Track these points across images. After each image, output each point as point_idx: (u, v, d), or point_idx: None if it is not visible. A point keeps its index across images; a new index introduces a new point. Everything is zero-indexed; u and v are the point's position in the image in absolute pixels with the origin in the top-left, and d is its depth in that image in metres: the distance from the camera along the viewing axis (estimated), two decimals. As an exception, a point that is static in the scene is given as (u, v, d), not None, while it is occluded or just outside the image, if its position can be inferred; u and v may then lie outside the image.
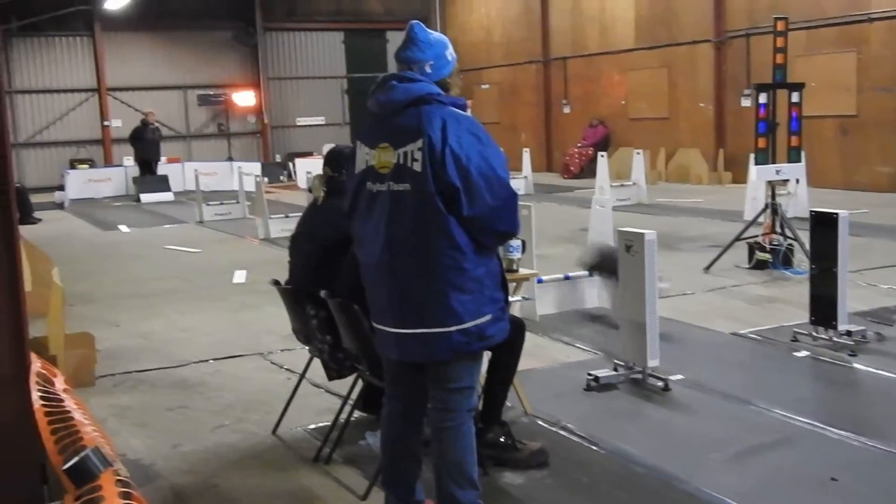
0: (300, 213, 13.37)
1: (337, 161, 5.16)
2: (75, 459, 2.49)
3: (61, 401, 3.30)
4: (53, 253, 12.25)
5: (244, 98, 29.77)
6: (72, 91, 27.97)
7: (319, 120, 30.76)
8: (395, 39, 29.55)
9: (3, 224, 3.60)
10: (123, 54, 28.21)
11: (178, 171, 25.17)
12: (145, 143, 23.64)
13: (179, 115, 29.28)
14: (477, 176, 3.67)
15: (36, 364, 3.64)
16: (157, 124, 24.33)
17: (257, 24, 29.61)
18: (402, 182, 3.70)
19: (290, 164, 26.71)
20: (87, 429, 2.95)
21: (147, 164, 23.92)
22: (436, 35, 4.08)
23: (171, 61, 28.81)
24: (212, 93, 29.22)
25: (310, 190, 5.41)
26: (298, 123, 30.73)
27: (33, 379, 3.41)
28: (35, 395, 3.21)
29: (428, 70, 3.82)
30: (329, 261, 4.99)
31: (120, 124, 27.89)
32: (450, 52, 4.05)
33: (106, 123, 28.30)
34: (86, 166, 26.54)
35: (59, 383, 3.58)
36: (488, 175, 3.70)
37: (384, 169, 3.75)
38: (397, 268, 3.78)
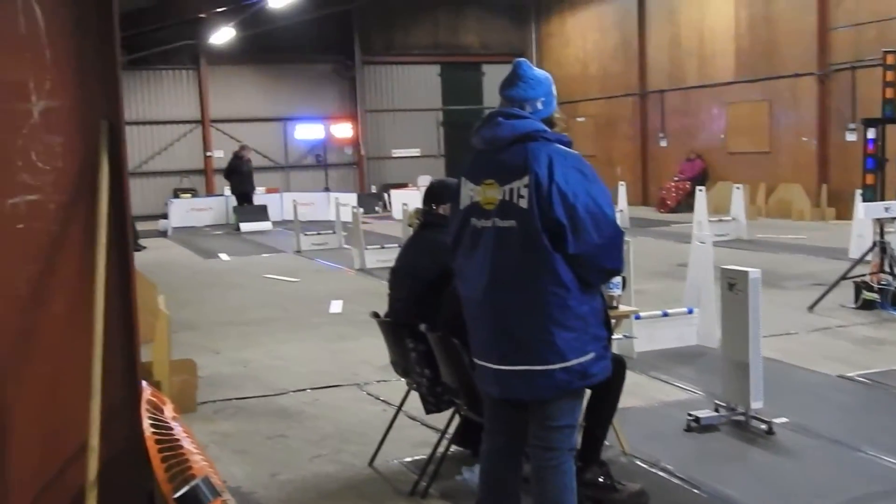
0: (396, 245, 13.69)
1: (436, 194, 5.13)
2: (186, 489, 2.52)
3: (171, 429, 3.36)
4: (157, 280, 12.56)
5: (341, 129, 30.13)
6: (176, 122, 28.76)
7: (415, 151, 31.00)
8: (490, 72, 30.62)
9: (119, 254, 3.71)
10: (226, 87, 28.90)
11: (277, 201, 25.24)
12: (241, 175, 23.88)
13: (278, 146, 29.76)
14: (583, 213, 3.64)
15: (146, 392, 3.72)
16: (249, 157, 24.41)
17: (356, 58, 30.07)
18: (507, 218, 3.68)
19: (386, 195, 26.91)
20: (196, 457, 2.99)
21: (244, 195, 24.18)
22: (542, 72, 4.08)
23: (271, 94, 29.35)
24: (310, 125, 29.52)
25: (410, 225, 5.39)
26: (394, 155, 30.96)
27: (144, 406, 3.48)
28: (146, 423, 3.27)
29: (539, 107, 3.84)
30: (429, 294, 4.98)
31: (221, 155, 28.39)
32: (554, 89, 4.06)
33: (208, 154, 29.07)
34: (188, 195, 26.98)
35: (168, 411, 3.65)
36: (595, 212, 3.68)
37: (489, 205, 3.73)
38: (501, 304, 3.75)
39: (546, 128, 3.80)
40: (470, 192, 3.82)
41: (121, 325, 3.65)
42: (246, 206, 24.04)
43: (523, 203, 3.63)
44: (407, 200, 18.41)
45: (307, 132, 29.85)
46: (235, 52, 27.62)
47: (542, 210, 3.61)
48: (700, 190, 14.76)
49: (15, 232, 3.58)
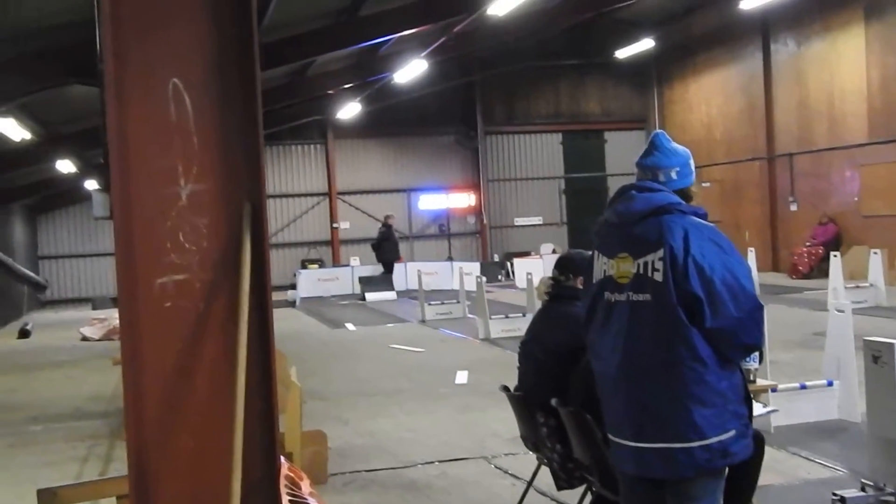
0: (520, 314, 14.04)
1: (570, 265, 5.09)
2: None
3: (309, 504, 3.36)
4: (286, 350, 12.76)
5: (464, 199, 30.51)
6: (305, 195, 29.57)
7: (537, 220, 30.91)
8: (613, 139, 30.65)
9: (260, 330, 3.80)
10: (352, 160, 29.67)
11: (401, 271, 25.38)
12: (391, 243, 24.44)
13: (402, 216, 29.85)
14: (721, 286, 3.56)
15: (284, 466, 3.74)
16: (382, 231, 24.90)
17: (478, 128, 30.28)
18: (642, 292, 3.64)
19: (509, 264, 26.69)
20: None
21: (390, 263, 24.49)
22: (681, 146, 4.05)
23: (395, 165, 29.95)
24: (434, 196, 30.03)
25: (540, 298, 5.35)
26: (516, 223, 30.90)
27: (283, 482, 3.50)
28: (285, 500, 3.28)
29: (673, 177, 3.81)
30: (560, 368, 4.92)
31: (347, 226, 29.39)
32: (692, 163, 4.02)
33: (335, 225, 29.57)
34: (315, 266, 27.38)
35: (306, 487, 3.67)
36: (732, 285, 3.59)
37: (623, 279, 3.70)
38: (636, 379, 3.68)
39: (680, 200, 3.76)
40: (603, 266, 3.80)
41: (261, 399, 3.71)
42: (372, 277, 24.62)
43: (658, 276, 3.59)
44: (531, 269, 18.52)
45: (430, 202, 30.26)
46: (361, 125, 28.15)
47: (678, 283, 3.55)
48: (834, 255, 14.22)
49: (163, 310, 3.70)
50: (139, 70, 3.62)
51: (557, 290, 4.96)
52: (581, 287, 4.21)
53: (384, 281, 24.21)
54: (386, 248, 24.29)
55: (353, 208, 29.58)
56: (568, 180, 31.16)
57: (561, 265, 5.06)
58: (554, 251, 25.28)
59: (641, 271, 3.63)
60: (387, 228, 24.37)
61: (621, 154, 29.51)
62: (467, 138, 30.21)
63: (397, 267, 25.28)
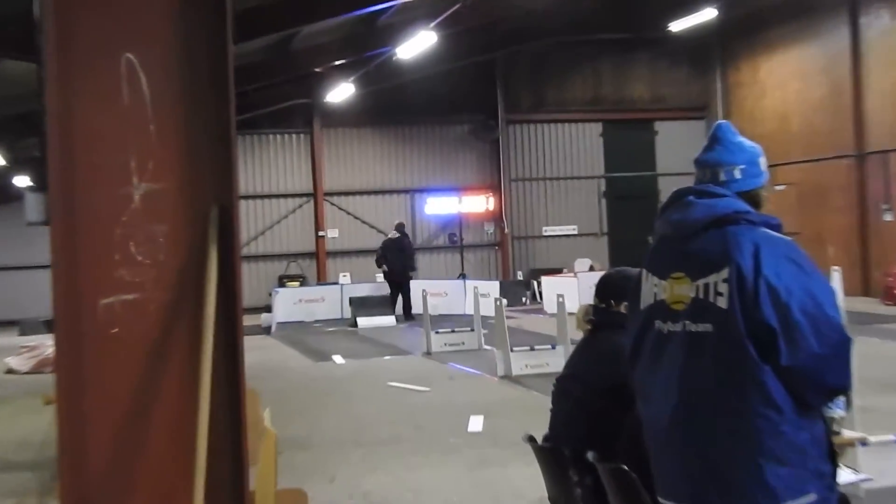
0: (548, 345, 13.98)
1: (614, 288, 5.01)
2: None
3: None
4: (260, 388, 12.38)
5: (481, 203, 30.16)
6: (284, 196, 29.16)
7: (570, 229, 30.82)
8: (665, 131, 30.65)
9: (228, 363, 3.79)
10: (343, 153, 29.39)
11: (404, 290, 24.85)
12: (406, 254, 24.36)
13: (407, 224, 28.60)
14: (799, 315, 3.49)
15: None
16: (391, 241, 24.89)
17: (499, 117, 30.09)
18: (701, 321, 3.58)
19: (535, 284, 26.59)
20: None
21: (398, 285, 24.29)
22: (749, 141, 4.00)
23: (396, 161, 29.84)
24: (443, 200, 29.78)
25: (579, 328, 5.32)
26: (545, 233, 30.77)
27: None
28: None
29: (737, 176, 3.78)
30: (600, 413, 4.84)
31: (336, 235, 29.07)
32: (764, 161, 3.97)
33: (321, 234, 29.17)
34: (296, 284, 27.22)
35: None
36: (814, 314, 3.52)
37: (678, 305, 3.65)
38: (695, 430, 3.62)
39: (749, 208, 3.70)
40: (654, 289, 3.75)
41: (228, 449, 3.69)
42: (366, 298, 24.40)
43: (722, 302, 3.53)
44: (562, 290, 18.13)
45: (439, 206, 30.02)
46: (355, 112, 27.96)
47: (747, 311, 3.49)
48: (940, 278, 13.95)
49: (109, 337, 3.66)
50: (86, 43, 3.58)
51: (601, 318, 4.96)
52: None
53: (380, 303, 24.09)
54: (403, 259, 24.34)
55: (344, 213, 29.40)
56: (609, 181, 30.97)
57: (600, 290, 5.05)
58: (591, 268, 25.42)
59: (701, 295, 3.58)
60: (401, 236, 24.52)
61: (675, 149, 29.23)
62: (485, 129, 30.06)
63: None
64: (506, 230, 30.28)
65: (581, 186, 31.03)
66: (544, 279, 25.76)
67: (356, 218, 29.05)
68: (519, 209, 30.77)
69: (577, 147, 31.06)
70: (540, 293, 25.65)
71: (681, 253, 3.70)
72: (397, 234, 24.12)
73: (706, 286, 3.55)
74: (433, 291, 21.97)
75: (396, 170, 29.86)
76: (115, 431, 3.54)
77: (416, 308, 21.90)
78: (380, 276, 25.21)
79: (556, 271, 27.05)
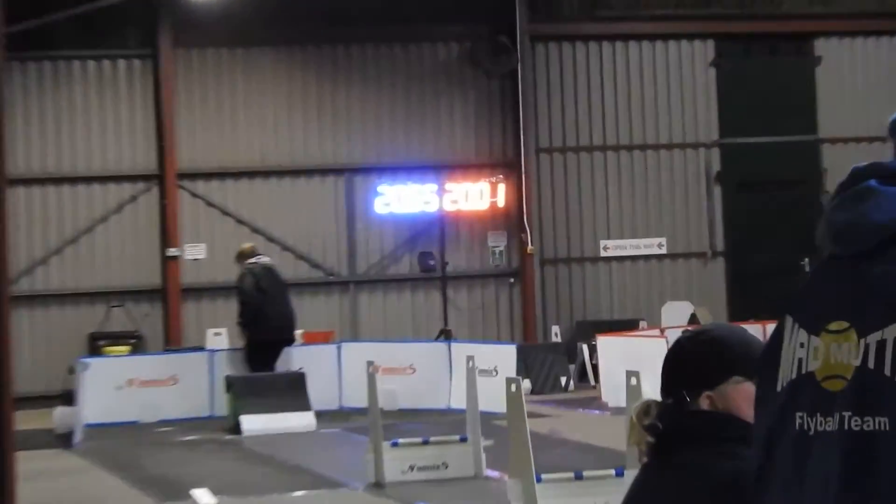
0: (609, 472, 13.36)
1: (698, 366, 3.20)
2: None
3: None
4: None
5: (480, 195, 23.74)
6: (101, 180, 22.97)
7: (651, 244, 24.39)
8: (831, 55, 25.43)
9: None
10: (216, 99, 23.32)
11: (330, 362, 20.76)
12: (266, 301, 20.02)
13: (332, 231, 23.50)
14: None
15: None
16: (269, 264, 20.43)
17: (517, 30, 23.50)
18: (871, 412, 2.38)
19: (584, 349, 22.05)
20: None
21: (265, 347, 20.20)
22: None
23: (320, 114, 23.55)
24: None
25: (636, 443, 3.35)
26: (604, 254, 24.29)
27: None
28: None
29: None
30: None
31: (202, 255, 23.25)
32: None
33: (170, 253, 22.94)
34: (124, 350, 22.53)
35: None
36: None
37: (835, 382, 2.42)
38: None
39: None
40: (798, 352, 2.52)
41: None
42: (258, 379, 20.02)
43: None
44: (638, 363, 12.67)
45: (401, 201, 23.77)
46: (239, 17, 22.43)
47: None
48: None
49: None
50: None
51: (682, 426, 3.25)
52: (739, 414, 3.03)
53: (289, 386, 19.73)
54: (285, 300, 20.30)
55: (216, 211, 22.65)
56: (729, 153, 24.32)
57: (678, 369, 3.26)
58: (693, 319, 21.19)
59: (871, 364, 2.34)
60: (267, 271, 20.08)
61: (855, 94, 24.59)
62: (492, 52, 23.49)
63: (314, 353, 21.19)
64: (529, 247, 23.54)
65: (673, 163, 24.27)
66: (603, 341, 20.87)
67: (240, 222, 22.09)
68: (553, 206, 24.18)
69: (667, 88, 24.39)
70: (594, 367, 21.17)
71: (849, 285, 2.51)
72: (265, 258, 20.52)
73: (881, 346, 2.35)
74: (389, 364, 19.25)
75: (320, 131, 23.22)
76: None
77: (353, 396, 19.43)
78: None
79: (624, 326, 22.45)
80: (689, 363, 3.21)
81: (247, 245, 20.07)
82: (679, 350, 3.28)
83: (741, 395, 2.97)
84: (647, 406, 3.23)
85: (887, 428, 2.38)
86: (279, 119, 23.20)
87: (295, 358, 20.11)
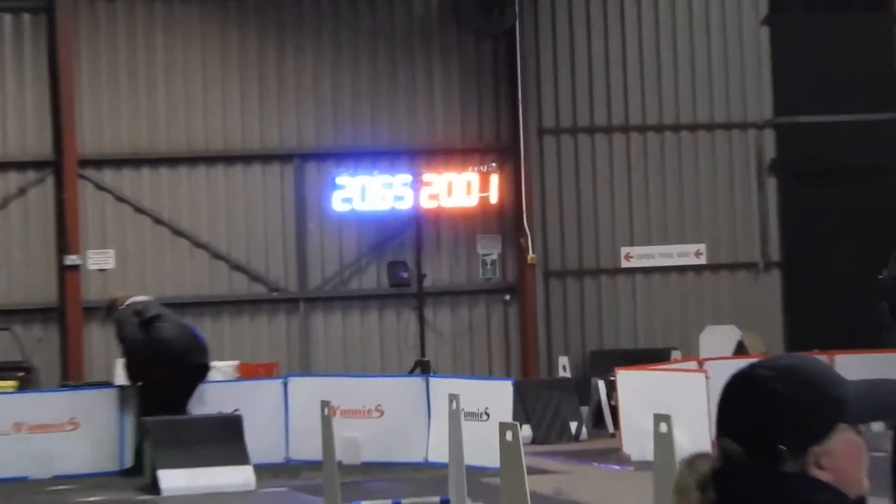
0: None
1: (798, 415, 2.62)
2: None
3: None
4: None
5: (467, 190, 21.29)
6: None
7: (685, 252, 21.78)
8: None
9: None
10: (127, 64, 20.75)
11: (273, 402, 18.25)
12: (155, 329, 17.69)
13: (278, 232, 20.77)
14: None
15: None
16: (141, 306, 17.65)
17: None
18: None
19: (601, 386, 19.59)
20: None
21: (171, 383, 17.64)
22: None
23: (260, 82, 21.01)
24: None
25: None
26: (627, 264, 21.70)
27: None
28: None
29: None
30: None
31: (110, 264, 20.91)
32: None
33: (71, 261, 20.53)
34: (10, 384, 20.09)
35: None
36: None
37: None
38: None
39: None
40: None
41: None
42: (177, 423, 17.77)
43: None
44: (668, 404, 13.60)
45: (365, 195, 21.03)
46: None
47: None
48: None
49: None
50: None
51: (743, 492, 2.65)
52: (849, 478, 2.45)
53: (221, 431, 17.26)
54: (146, 351, 17.49)
55: (128, 208, 20.03)
56: (786, 134, 21.71)
57: (734, 416, 2.64)
58: (741, 349, 19.41)
59: None
60: (134, 313, 17.36)
61: None
62: (480, 6, 21.06)
63: (254, 390, 18.81)
64: (529, 255, 20.95)
65: (715, 148, 21.45)
66: (624, 376, 18.36)
67: (158, 221, 19.31)
68: (561, 203, 21.31)
69: (706, 52, 21.83)
70: (613, 409, 18.65)
71: None
72: (140, 298, 17.89)
73: None
74: (350, 405, 17.26)
75: (261, 107, 20.43)
76: None
77: (307, 447, 17.20)
78: (223, 365, 18.96)
79: (652, 357, 19.79)
80: (788, 409, 2.62)
81: (116, 293, 17.81)
82: (768, 391, 2.66)
83: (851, 450, 2.42)
84: (704, 464, 2.56)
85: None
86: (210, 91, 20.16)
87: (228, 397, 17.71)
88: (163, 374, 17.20)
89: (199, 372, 17.57)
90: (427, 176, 20.24)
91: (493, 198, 20.16)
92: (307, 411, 16.34)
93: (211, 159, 20.21)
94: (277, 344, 19.92)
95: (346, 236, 20.52)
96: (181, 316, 17.77)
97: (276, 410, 17.78)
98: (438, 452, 15.90)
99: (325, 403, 13.12)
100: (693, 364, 18.34)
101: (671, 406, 12.90)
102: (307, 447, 16.35)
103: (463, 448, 12.40)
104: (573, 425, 18.74)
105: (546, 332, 21.19)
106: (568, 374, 20.32)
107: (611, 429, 18.35)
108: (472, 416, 15.37)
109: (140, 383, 17.53)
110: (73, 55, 19.98)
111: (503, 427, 9.84)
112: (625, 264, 21.14)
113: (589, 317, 21.58)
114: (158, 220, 19.60)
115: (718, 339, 19.87)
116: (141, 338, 17.12)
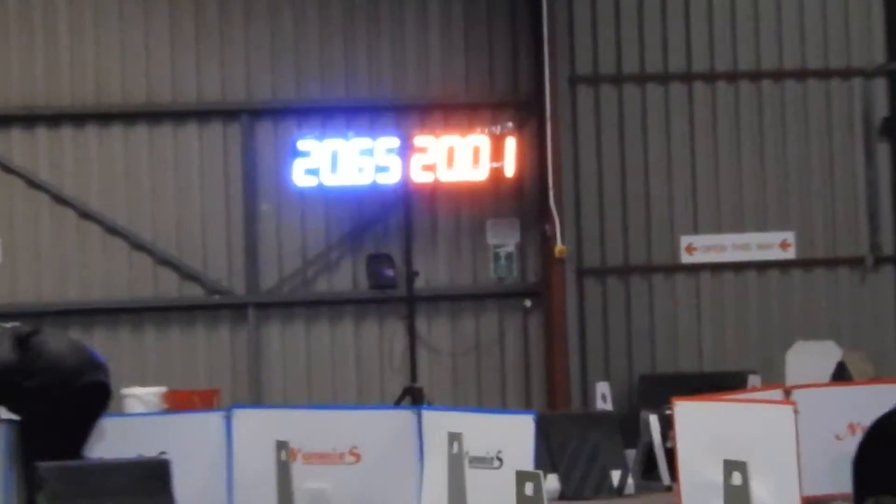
0: None
1: None
2: None
3: None
4: None
5: (472, 159, 18.07)
6: None
7: (773, 246, 18.56)
8: None
9: None
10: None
11: (213, 441, 11.69)
12: (33, 345, 10.52)
13: (226, 223, 17.47)
14: None
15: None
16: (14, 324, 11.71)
17: None
18: None
19: (650, 424, 14.02)
20: None
21: (62, 415, 11.21)
22: None
23: (198, 25, 17.74)
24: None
25: None
26: (687, 259, 18.22)
27: None
28: None
29: None
30: None
31: None
32: None
33: None
34: None
35: None
36: None
37: None
38: None
39: None
40: None
41: None
42: (66, 471, 9.83)
43: None
44: (743, 450, 7.96)
45: (337, 164, 17.68)
46: None
47: None
48: None
49: None
50: None
51: None
52: None
53: (130, 485, 9.79)
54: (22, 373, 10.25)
55: (20, 181, 16.92)
56: None
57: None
58: (841, 372, 16.98)
59: None
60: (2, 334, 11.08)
61: None
62: None
63: (181, 425, 12.62)
64: (558, 246, 17.35)
65: (808, 103, 17.96)
66: (684, 409, 10.04)
67: (58, 199, 16.15)
68: (600, 177, 18.10)
69: None
70: (669, 453, 13.50)
71: None
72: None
73: None
74: (316, 447, 11.83)
75: (198, 48, 17.29)
76: None
77: (258, 500, 12.31)
78: (144, 394, 16.02)
79: (722, 383, 16.38)
80: None
81: None
82: None
83: None
84: None
85: None
86: (129, 28, 16.63)
87: (152, 435, 11.23)
88: (50, 401, 15.67)
89: (98, 394, 15.97)
90: (420, 140, 16.89)
91: (509, 169, 16.82)
92: (258, 455, 11.12)
93: (130, 116, 16.72)
94: (219, 365, 16.58)
95: (312, 221, 17.13)
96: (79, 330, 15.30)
97: (216, 453, 11.73)
98: (428, 507, 14.78)
99: (281, 444, 10.08)
100: (777, 393, 12.70)
101: (748, 449, 9.19)
102: (258, 500, 11.50)
103: (467, 502, 9.89)
104: (615, 475, 13.90)
105: (580, 350, 17.93)
106: (609, 407, 16.34)
107: (666, 479, 13.69)
108: (479, 461, 10.73)
109: (21, 417, 15.56)
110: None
111: (521, 477, 7.69)
112: (686, 259, 17.87)
113: (637, 329, 18.45)
114: (58, 198, 16.24)
115: (811, 360, 17.35)
116: (16, 358, 15.76)
